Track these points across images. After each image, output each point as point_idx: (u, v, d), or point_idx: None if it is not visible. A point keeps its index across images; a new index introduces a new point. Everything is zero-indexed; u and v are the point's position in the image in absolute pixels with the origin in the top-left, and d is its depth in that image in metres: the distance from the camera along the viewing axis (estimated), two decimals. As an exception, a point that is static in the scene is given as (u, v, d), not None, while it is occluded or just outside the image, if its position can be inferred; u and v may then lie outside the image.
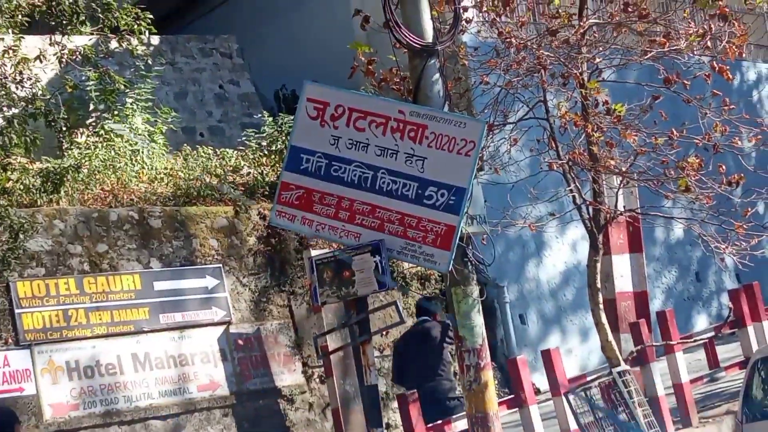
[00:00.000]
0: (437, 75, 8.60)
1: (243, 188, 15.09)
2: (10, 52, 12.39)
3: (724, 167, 10.34)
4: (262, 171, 15.31)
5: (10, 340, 12.52)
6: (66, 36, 12.77)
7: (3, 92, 12.29)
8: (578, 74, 9.97)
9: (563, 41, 9.97)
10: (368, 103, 8.39)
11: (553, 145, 10.18)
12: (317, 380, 14.62)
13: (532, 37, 10.13)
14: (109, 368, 13.16)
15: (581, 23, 10.04)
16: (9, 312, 12.62)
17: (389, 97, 9.16)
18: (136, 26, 12.52)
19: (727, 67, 10.70)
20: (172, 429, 13.41)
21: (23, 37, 12.74)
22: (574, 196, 10.36)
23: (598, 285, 10.54)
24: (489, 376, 8.37)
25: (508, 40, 10.20)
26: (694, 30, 10.07)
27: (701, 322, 17.99)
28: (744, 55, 12.46)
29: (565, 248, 16.56)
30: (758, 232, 10.90)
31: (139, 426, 13.12)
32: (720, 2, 10.08)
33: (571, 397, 10.46)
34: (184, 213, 14.54)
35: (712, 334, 13.98)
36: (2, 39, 12.28)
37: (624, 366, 10.33)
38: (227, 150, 16.20)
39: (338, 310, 11.98)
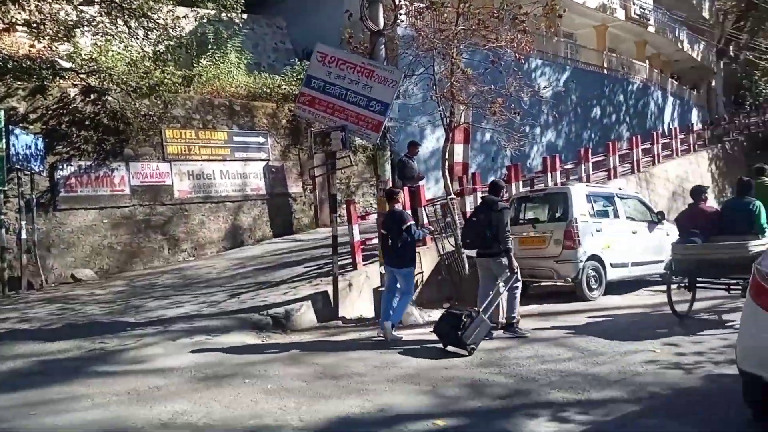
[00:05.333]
0: (382, 46, 8.39)
1: (281, 95, 14.59)
2: (171, 12, 11.76)
3: (513, 105, 10.23)
4: (292, 87, 14.74)
5: (161, 158, 12.24)
6: (198, 7, 12.10)
7: (165, 34, 11.71)
8: (451, 53, 9.67)
9: (445, 36, 9.63)
10: (347, 57, 8.10)
11: (434, 88, 9.94)
12: (308, 191, 14.53)
13: (430, 32, 9.72)
14: (208, 176, 12.93)
15: (455, 28, 9.67)
16: (160, 144, 12.27)
17: (358, 55, 8.83)
18: (236, 5, 11.97)
19: (522, 57, 10.48)
20: (237, 207, 13.33)
21: (176, 5, 12.06)
22: (441, 113, 10.20)
23: (446, 158, 10.48)
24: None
25: (418, 33, 9.85)
26: (509, 36, 9.78)
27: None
28: (531, 52, 12.19)
29: (435, 139, 16.39)
30: (525, 139, 10.96)
31: (221, 205, 13.02)
32: (523, 24, 9.80)
33: (426, 208, 10.51)
34: (251, 105, 14.11)
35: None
36: (171, 9, 11.66)
37: (452, 196, 10.34)
38: (275, 75, 15.55)
39: (322, 158, 11.78)
